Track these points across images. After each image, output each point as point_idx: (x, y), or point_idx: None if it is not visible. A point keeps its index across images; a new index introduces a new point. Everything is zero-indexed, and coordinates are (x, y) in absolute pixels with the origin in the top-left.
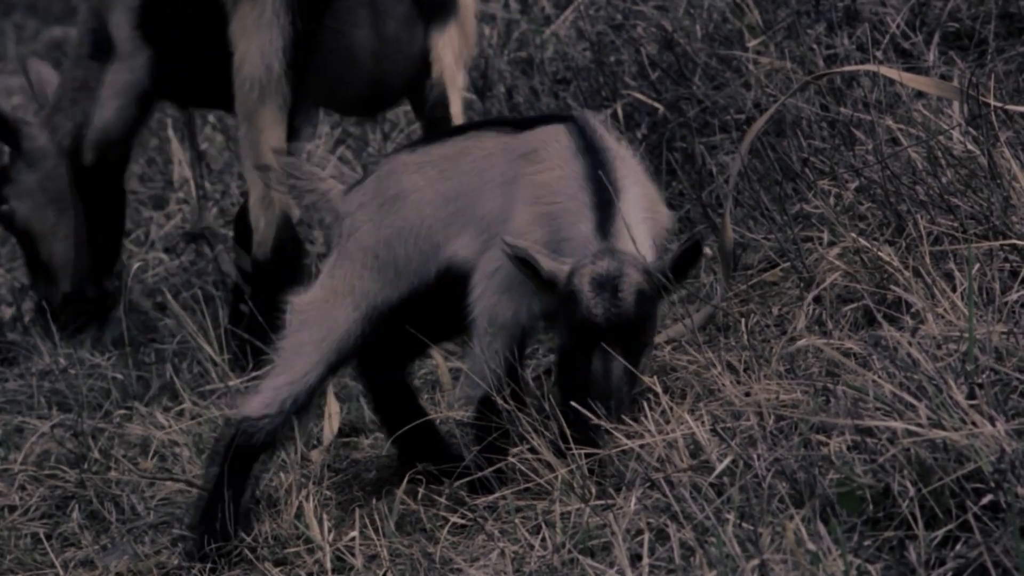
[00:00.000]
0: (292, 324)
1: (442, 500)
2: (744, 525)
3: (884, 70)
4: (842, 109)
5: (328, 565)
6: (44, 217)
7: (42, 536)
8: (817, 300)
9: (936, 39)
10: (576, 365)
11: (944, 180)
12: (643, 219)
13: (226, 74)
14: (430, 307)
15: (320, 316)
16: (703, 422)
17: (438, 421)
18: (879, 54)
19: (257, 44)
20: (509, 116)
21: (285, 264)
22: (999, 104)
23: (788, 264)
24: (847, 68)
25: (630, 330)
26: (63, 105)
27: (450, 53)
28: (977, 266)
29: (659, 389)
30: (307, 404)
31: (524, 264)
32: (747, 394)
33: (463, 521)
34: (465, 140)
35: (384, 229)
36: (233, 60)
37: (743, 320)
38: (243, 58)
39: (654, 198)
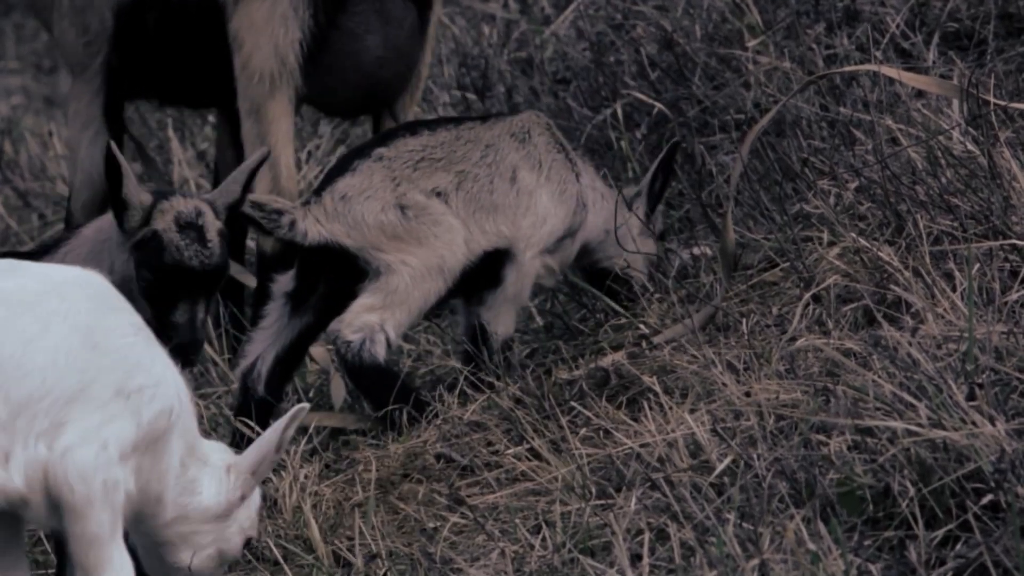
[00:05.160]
0: None
1: (442, 500)
2: (744, 525)
3: (885, 69)
4: (842, 109)
5: (328, 565)
6: None
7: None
8: (817, 300)
9: (936, 39)
10: None
11: (944, 180)
12: None
13: (207, 75)
14: None
15: None
16: (703, 422)
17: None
18: (879, 54)
19: (269, 38)
20: None
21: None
22: (999, 102)
23: (788, 264)
24: (848, 68)
25: None
26: None
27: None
28: (977, 266)
29: (659, 389)
30: None
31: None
32: (747, 394)
33: (463, 521)
34: None
35: None
36: (237, 57)
37: (743, 320)
38: (251, 52)
39: None
